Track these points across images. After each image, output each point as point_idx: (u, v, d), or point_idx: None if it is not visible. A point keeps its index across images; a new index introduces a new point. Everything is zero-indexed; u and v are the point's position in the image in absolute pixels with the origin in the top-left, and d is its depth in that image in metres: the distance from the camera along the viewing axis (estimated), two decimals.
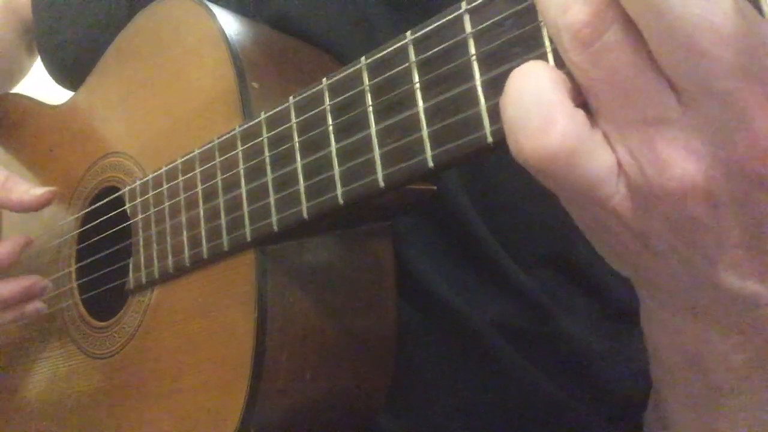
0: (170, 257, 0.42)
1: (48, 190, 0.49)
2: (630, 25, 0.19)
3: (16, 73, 0.75)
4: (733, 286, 0.21)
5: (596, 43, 0.19)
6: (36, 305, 0.51)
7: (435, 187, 0.41)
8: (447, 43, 0.26)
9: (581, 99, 0.21)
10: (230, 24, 0.42)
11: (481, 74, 0.25)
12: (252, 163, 0.36)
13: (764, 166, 0.18)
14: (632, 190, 0.20)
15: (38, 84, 0.74)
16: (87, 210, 0.52)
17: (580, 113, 0.20)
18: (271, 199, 0.35)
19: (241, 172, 0.37)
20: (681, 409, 0.28)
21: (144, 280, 0.44)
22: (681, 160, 0.19)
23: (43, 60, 0.67)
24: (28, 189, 0.49)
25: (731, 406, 0.25)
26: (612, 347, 0.45)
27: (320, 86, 0.32)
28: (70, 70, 0.63)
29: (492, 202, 0.43)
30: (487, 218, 0.42)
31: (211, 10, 0.42)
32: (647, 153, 0.19)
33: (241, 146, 0.37)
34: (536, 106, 0.20)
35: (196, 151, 0.40)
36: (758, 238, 0.20)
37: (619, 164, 0.20)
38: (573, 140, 0.20)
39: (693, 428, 0.28)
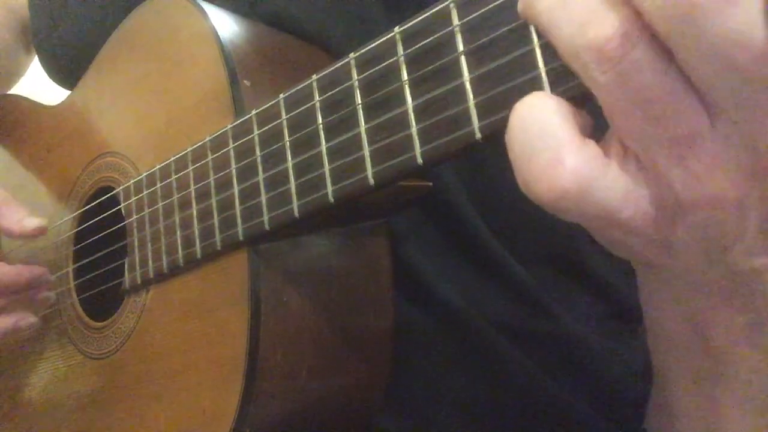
0: (164, 257, 0.42)
1: (39, 227, 0.50)
2: (658, 40, 0.18)
3: (13, 72, 0.75)
4: (745, 265, 0.21)
5: (625, 61, 0.18)
6: (46, 294, 0.52)
7: (431, 184, 0.41)
8: (435, 37, 0.26)
9: (590, 125, 0.20)
10: (222, 22, 0.42)
11: (469, 70, 0.25)
12: (244, 162, 0.36)
13: None
14: (658, 207, 0.20)
15: (36, 83, 0.74)
16: (82, 210, 0.52)
17: (591, 145, 0.20)
18: (263, 198, 0.35)
19: (233, 171, 0.37)
20: (683, 385, 0.28)
21: (139, 280, 0.44)
22: (712, 175, 0.19)
23: (40, 59, 0.67)
24: (20, 219, 0.50)
25: (732, 377, 0.25)
26: (613, 346, 0.45)
27: (310, 82, 0.32)
28: (68, 69, 0.63)
29: (492, 201, 0.42)
30: (487, 216, 0.42)
31: (202, 9, 0.42)
32: (678, 171, 0.19)
33: (233, 144, 0.37)
34: (542, 143, 0.20)
35: (189, 150, 0.40)
36: None
37: (641, 183, 0.20)
38: (583, 177, 0.19)
39: (695, 405, 0.28)
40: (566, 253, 0.43)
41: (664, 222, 0.20)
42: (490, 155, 0.42)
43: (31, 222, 0.50)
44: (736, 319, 0.23)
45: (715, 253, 0.21)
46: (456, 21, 0.25)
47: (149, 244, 0.43)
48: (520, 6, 0.22)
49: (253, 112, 0.36)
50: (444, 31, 0.25)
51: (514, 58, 0.23)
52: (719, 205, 0.19)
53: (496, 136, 0.24)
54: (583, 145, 0.20)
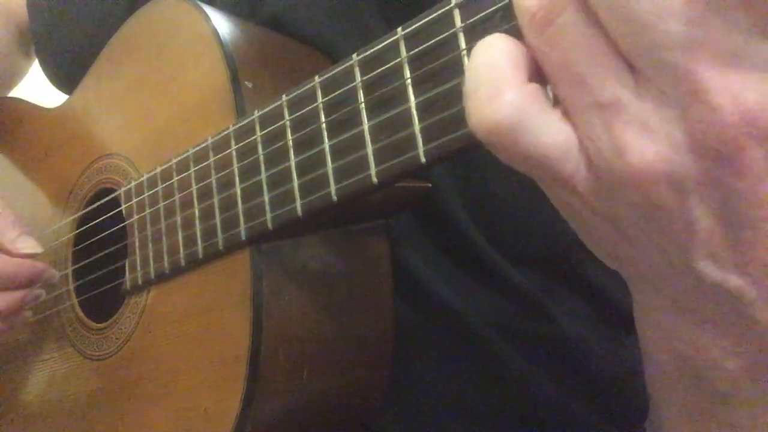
0: (166, 257, 0.42)
1: (31, 252, 0.49)
2: (584, 6, 0.19)
3: (12, 75, 0.75)
4: (714, 278, 0.20)
5: (551, 25, 0.19)
6: (38, 291, 0.51)
7: (430, 185, 0.41)
8: (437, 38, 0.26)
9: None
10: (223, 24, 0.42)
11: None
12: (246, 161, 0.36)
13: (723, 143, 0.17)
14: (593, 172, 0.20)
15: (36, 86, 0.74)
16: (82, 212, 0.52)
17: (532, 87, 0.20)
18: (266, 198, 0.35)
19: (236, 170, 0.37)
20: (676, 418, 0.27)
21: (140, 280, 0.44)
22: (638, 144, 0.18)
23: (40, 62, 0.67)
24: (14, 238, 0.49)
25: (727, 417, 0.24)
26: (610, 348, 0.45)
27: (313, 83, 0.33)
28: (68, 72, 0.63)
29: (485, 205, 0.42)
30: (480, 221, 0.42)
31: (204, 11, 0.42)
32: (604, 137, 0.19)
33: (235, 145, 0.37)
34: (487, 77, 0.20)
35: (191, 151, 0.40)
36: (732, 225, 0.19)
37: (580, 144, 0.20)
38: (518, 112, 0.19)
39: None
40: (559, 258, 0.43)
41: (602, 191, 0.20)
42: (483, 160, 0.42)
43: (24, 244, 0.50)
44: (727, 363, 0.22)
45: (673, 252, 0.20)
46: (459, 22, 0.25)
47: (150, 245, 0.43)
48: None
49: (256, 112, 0.36)
50: (447, 33, 0.26)
51: None
52: (649, 178, 0.18)
53: None
54: (525, 85, 0.20)
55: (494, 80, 0.20)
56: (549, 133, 0.20)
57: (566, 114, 0.20)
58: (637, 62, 0.18)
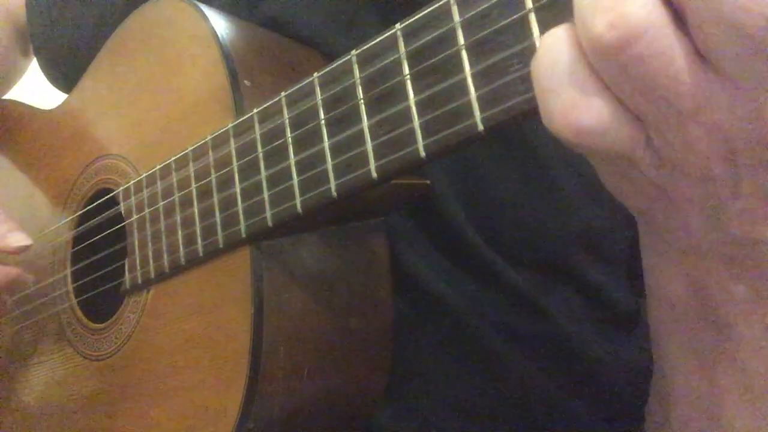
0: (166, 256, 0.42)
1: (21, 246, 0.51)
2: (672, 9, 0.18)
3: (10, 75, 0.75)
4: (743, 231, 0.22)
5: (635, 45, 0.18)
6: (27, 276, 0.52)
7: (428, 182, 0.41)
8: (436, 33, 0.26)
9: None
10: (222, 24, 0.42)
11: (470, 64, 0.25)
12: (245, 159, 0.36)
13: None
14: (660, 157, 0.21)
15: (34, 87, 0.74)
16: (81, 212, 0.52)
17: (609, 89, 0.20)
18: (265, 195, 0.35)
19: (235, 168, 0.37)
20: (683, 362, 0.29)
21: (140, 280, 0.44)
22: (708, 137, 0.19)
23: (39, 62, 0.67)
24: (5, 233, 0.50)
25: (731, 350, 0.26)
26: (610, 347, 0.45)
27: (311, 79, 0.33)
28: (66, 72, 0.63)
29: (483, 206, 0.43)
30: (479, 222, 0.42)
31: (202, 11, 0.42)
32: (678, 134, 0.20)
33: (234, 143, 0.37)
34: (568, 78, 0.20)
35: (189, 150, 0.41)
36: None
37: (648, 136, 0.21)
38: (607, 118, 0.20)
39: (694, 387, 0.28)
40: (559, 258, 0.43)
41: (664, 168, 0.21)
42: (481, 160, 0.42)
43: (15, 238, 0.50)
44: (736, 287, 0.24)
45: (711, 212, 0.22)
46: (457, 17, 0.25)
47: (150, 244, 0.43)
48: None
49: (255, 110, 0.36)
50: (445, 27, 0.26)
51: (514, 51, 0.24)
52: (712, 164, 0.20)
53: (498, 128, 0.25)
54: (604, 86, 0.20)
55: (577, 84, 0.20)
56: (628, 130, 0.20)
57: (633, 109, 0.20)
58: (723, 65, 0.18)
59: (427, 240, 0.43)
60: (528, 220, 0.43)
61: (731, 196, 0.21)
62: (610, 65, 0.19)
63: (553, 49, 0.20)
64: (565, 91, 0.20)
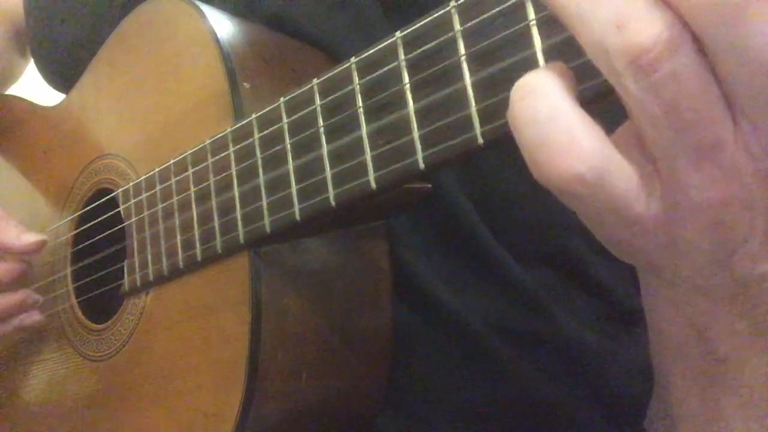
0: (164, 260, 0.42)
1: (38, 241, 0.50)
2: (698, 46, 0.17)
3: (8, 75, 0.75)
4: (745, 271, 0.21)
5: (663, 69, 0.17)
6: (34, 317, 0.52)
7: (430, 186, 0.41)
8: (436, 42, 0.26)
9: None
10: (221, 24, 0.42)
11: (471, 74, 0.25)
12: (244, 164, 0.36)
13: None
14: (668, 208, 0.19)
15: (32, 86, 0.73)
16: (81, 212, 0.52)
17: (597, 127, 0.19)
18: (264, 201, 0.35)
19: (234, 173, 0.37)
20: (685, 389, 0.28)
21: (139, 282, 0.44)
22: (728, 180, 0.18)
23: (36, 63, 0.67)
24: (18, 234, 0.50)
25: (735, 380, 0.25)
26: (612, 347, 0.45)
27: (310, 85, 0.32)
28: (63, 72, 0.62)
29: (490, 201, 0.42)
30: (485, 217, 0.42)
31: (201, 10, 0.42)
32: (696, 175, 0.18)
33: (233, 147, 0.37)
34: (555, 125, 0.18)
35: (188, 153, 0.40)
36: None
37: (654, 179, 0.19)
38: (600, 160, 0.18)
39: (697, 410, 0.28)
40: (563, 254, 0.43)
41: (674, 222, 0.20)
42: (487, 154, 0.42)
43: (31, 236, 0.50)
44: (737, 324, 0.23)
45: (722, 256, 0.21)
46: (457, 26, 0.25)
47: (149, 247, 0.43)
48: None
49: (254, 115, 0.36)
50: (445, 36, 0.25)
51: (516, 62, 0.23)
52: (731, 209, 0.19)
53: (498, 142, 0.24)
54: (593, 127, 0.19)
55: (563, 129, 0.18)
56: (626, 174, 0.19)
57: (636, 148, 0.19)
58: (743, 104, 0.17)
59: (430, 240, 0.43)
60: (535, 215, 0.42)
61: (743, 241, 0.20)
62: (638, 83, 0.17)
63: (530, 95, 0.19)
64: (552, 137, 0.18)
